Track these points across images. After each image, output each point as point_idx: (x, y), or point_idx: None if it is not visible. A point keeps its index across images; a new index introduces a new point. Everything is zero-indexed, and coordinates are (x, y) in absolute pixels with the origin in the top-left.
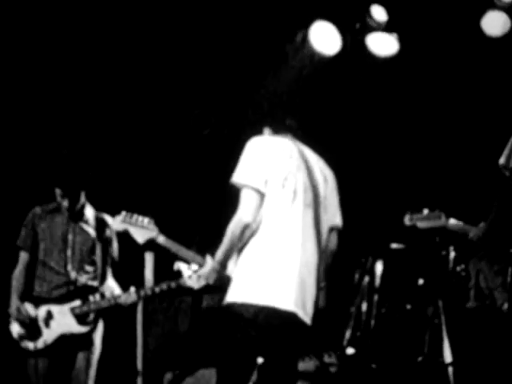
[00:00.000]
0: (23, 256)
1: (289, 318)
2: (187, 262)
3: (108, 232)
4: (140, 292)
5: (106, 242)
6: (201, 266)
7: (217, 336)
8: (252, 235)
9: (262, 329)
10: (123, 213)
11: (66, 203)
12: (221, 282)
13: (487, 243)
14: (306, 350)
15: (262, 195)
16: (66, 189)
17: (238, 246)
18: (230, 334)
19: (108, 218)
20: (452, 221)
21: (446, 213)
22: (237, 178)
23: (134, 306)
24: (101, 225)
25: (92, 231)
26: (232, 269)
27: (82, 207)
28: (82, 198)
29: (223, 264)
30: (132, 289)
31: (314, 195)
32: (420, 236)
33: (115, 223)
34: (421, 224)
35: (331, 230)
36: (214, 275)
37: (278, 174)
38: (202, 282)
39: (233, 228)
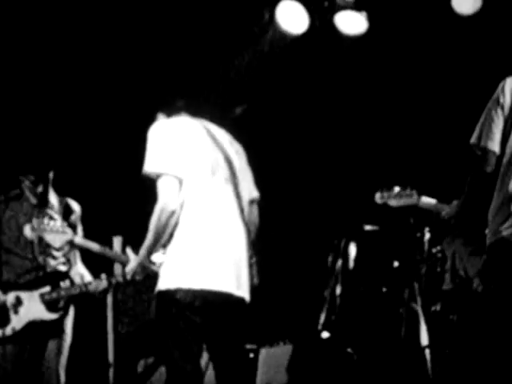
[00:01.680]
0: None
1: (226, 299)
2: (111, 260)
3: (73, 217)
4: (111, 279)
5: (71, 226)
6: (124, 263)
7: (158, 326)
8: (177, 222)
9: (201, 313)
10: (34, 220)
11: (40, 188)
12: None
13: (460, 222)
14: (280, 334)
15: (179, 180)
16: (39, 174)
17: (165, 236)
18: (169, 321)
19: (72, 203)
20: (424, 199)
21: (418, 190)
22: (149, 167)
23: (105, 293)
24: (65, 210)
25: (57, 216)
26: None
27: (47, 192)
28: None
29: (149, 257)
30: (103, 275)
31: (230, 170)
32: (394, 217)
33: (27, 231)
34: (392, 202)
35: (251, 202)
36: (142, 270)
37: (190, 155)
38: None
39: (158, 217)
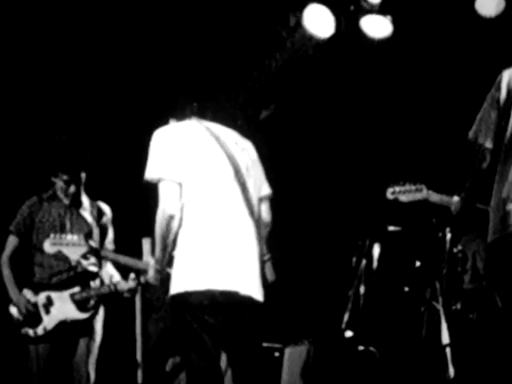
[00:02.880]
0: (12, 240)
1: (233, 298)
2: (130, 269)
3: (104, 219)
4: (140, 279)
5: (102, 229)
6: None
7: (174, 329)
8: (180, 225)
9: (211, 313)
10: (51, 235)
11: (72, 189)
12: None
13: (462, 217)
14: (299, 334)
15: (179, 184)
16: (72, 173)
17: (171, 239)
18: (184, 324)
19: (103, 206)
20: (433, 193)
21: (427, 185)
22: (149, 173)
23: (133, 292)
24: (97, 212)
25: (89, 217)
26: None
27: (79, 194)
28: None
29: (163, 262)
30: (131, 275)
31: (235, 169)
32: (417, 218)
33: (46, 247)
34: (402, 197)
35: (260, 200)
36: (157, 276)
37: (189, 158)
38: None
39: (159, 223)
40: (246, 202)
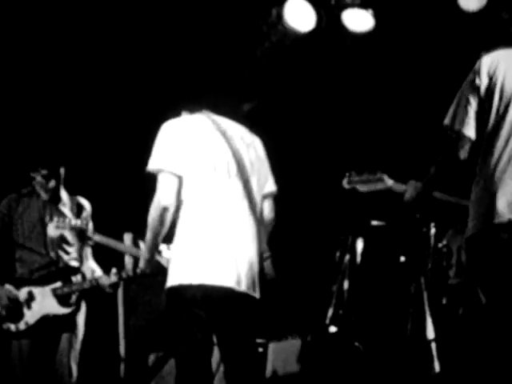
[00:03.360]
0: None
1: (227, 293)
2: (122, 255)
3: (84, 214)
4: (121, 273)
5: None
6: (138, 257)
7: (167, 322)
8: (179, 217)
9: (204, 307)
10: (55, 219)
11: (52, 183)
12: (157, 269)
13: (418, 203)
14: (284, 329)
15: (178, 177)
16: (52, 168)
17: (162, 230)
18: (176, 317)
19: (83, 201)
20: (396, 183)
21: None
22: (151, 165)
23: (115, 287)
24: (77, 207)
25: (69, 213)
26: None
27: (58, 189)
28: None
29: (152, 252)
30: (113, 270)
31: (239, 165)
32: (400, 213)
33: (50, 230)
34: (361, 187)
35: (265, 197)
36: (149, 265)
37: (192, 151)
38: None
39: (152, 213)
40: (248, 197)
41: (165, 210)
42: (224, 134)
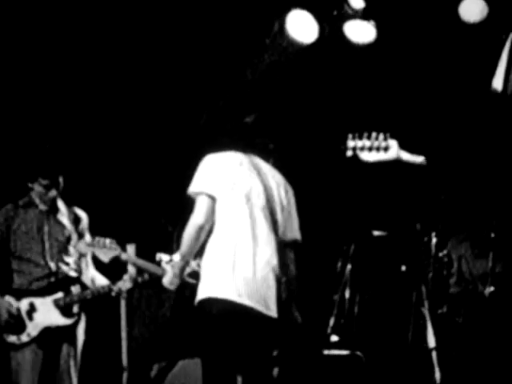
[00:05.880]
0: None
1: (246, 311)
2: (150, 274)
3: (81, 226)
4: (137, 278)
5: (79, 235)
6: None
7: (194, 333)
8: (210, 236)
9: (228, 321)
10: (87, 237)
11: (52, 193)
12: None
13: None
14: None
15: (213, 200)
16: (53, 177)
17: (196, 248)
18: (203, 328)
19: (79, 212)
20: (404, 152)
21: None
22: (191, 188)
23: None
24: (74, 217)
25: (67, 223)
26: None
27: (56, 200)
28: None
29: (183, 268)
30: (126, 276)
31: (268, 200)
32: (402, 223)
33: (80, 247)
34: (367, 156)
35: (288, 244)
36: (176, 280)
37: (228, 180)
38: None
39: (188, 231)
40: (274, 231)
41: (201, 228)
42: (259, 171)
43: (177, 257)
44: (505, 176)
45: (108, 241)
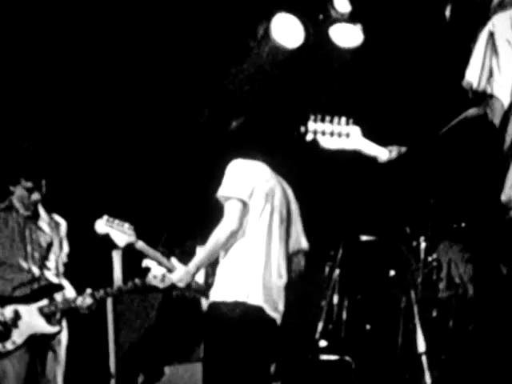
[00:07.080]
0: None
1: (258, 312)
2: (163, 266)
3: (61, 232)
4: (96, 295)
5: (59, 241)
6: (169, 270)
7: (202, 332)
8: (235, 241)
9: (238, 322)
10: (105, 216)
11: (35, 196)
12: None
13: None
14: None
15: (246, 206)
16: (36, 180)
17: (219, 253)
18: (215, 330)
19: (58, 219)
20: (367, 142)
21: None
22: (222, 191)
23: (90, 309)
24: (55, 224)
25: (47, 229)
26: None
27: (37, 205)
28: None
29: (200, 268)
30: (88, 291)
31: (287, 213)
32: (390, 227)
33: (98, 226)
34: (326, 142)
35: (298, 252)
36: (188, 279)
37: (260, 189)
38: (168, 283)
39: (219, 235)
40: (286, 241)
41: (232, 234)
42: (281, 184)
43: (200, 252)
44: (490, 178)
45: (127, 225)
